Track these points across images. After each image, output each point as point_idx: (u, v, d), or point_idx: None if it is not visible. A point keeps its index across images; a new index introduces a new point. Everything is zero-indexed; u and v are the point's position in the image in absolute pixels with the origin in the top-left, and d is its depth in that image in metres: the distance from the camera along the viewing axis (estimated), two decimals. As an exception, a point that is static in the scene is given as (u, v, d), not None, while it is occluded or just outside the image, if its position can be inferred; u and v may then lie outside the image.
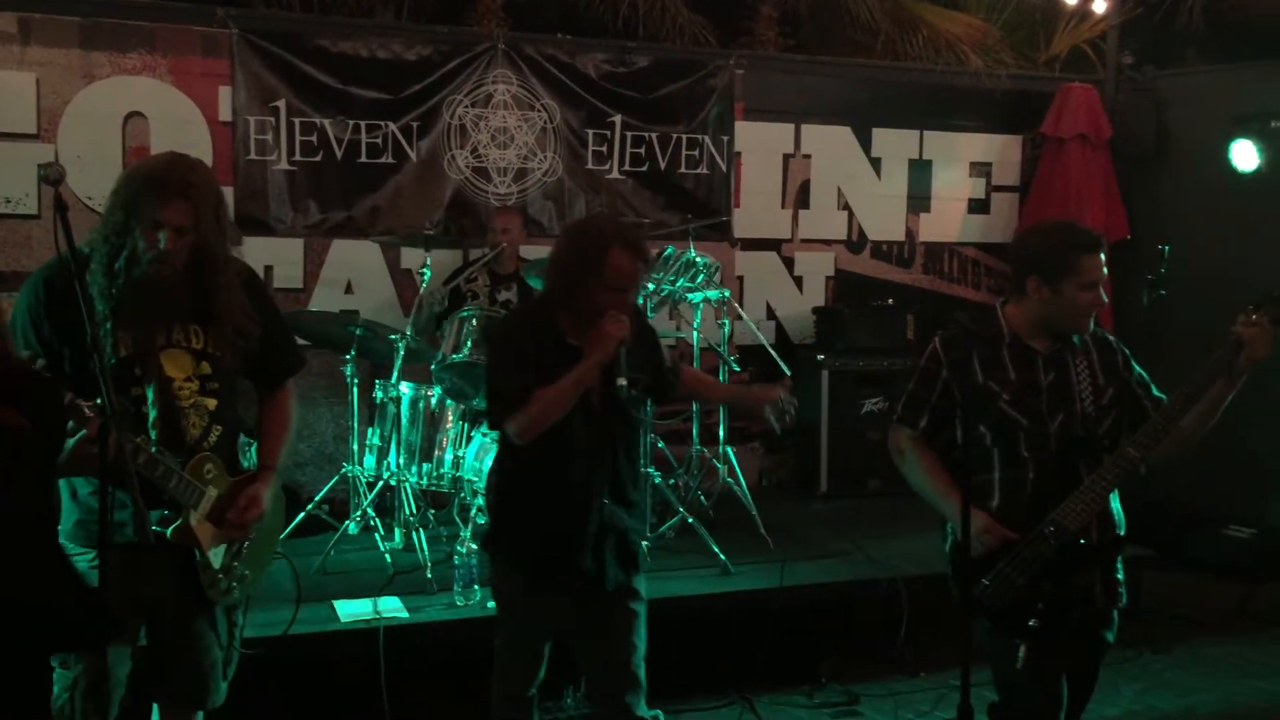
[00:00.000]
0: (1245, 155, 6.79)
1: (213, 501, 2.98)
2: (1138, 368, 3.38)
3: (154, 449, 2.89)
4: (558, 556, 3.28)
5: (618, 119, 6.87)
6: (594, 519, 3.28)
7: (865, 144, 7.56)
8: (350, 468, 5.60)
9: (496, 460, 3.50)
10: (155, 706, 3.19)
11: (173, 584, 2.96)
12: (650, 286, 5.62)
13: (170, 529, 2.91)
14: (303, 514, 5.47)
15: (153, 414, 2.91)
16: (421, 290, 5.74)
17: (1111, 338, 3.41)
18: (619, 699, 3.31)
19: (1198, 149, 7.26)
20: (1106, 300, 3.27)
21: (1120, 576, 3.32)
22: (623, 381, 3.19)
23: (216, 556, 3.02)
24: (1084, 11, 7.77)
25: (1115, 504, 3.29)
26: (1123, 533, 3.30)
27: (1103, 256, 3.23)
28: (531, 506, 3.33)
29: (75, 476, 2.89)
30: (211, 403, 3.01)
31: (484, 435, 5.42)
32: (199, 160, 3.03)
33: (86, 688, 2.84)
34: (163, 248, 2.84)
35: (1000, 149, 7.91)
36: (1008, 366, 3.27)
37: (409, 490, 5.50)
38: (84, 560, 2.88)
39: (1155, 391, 3.35)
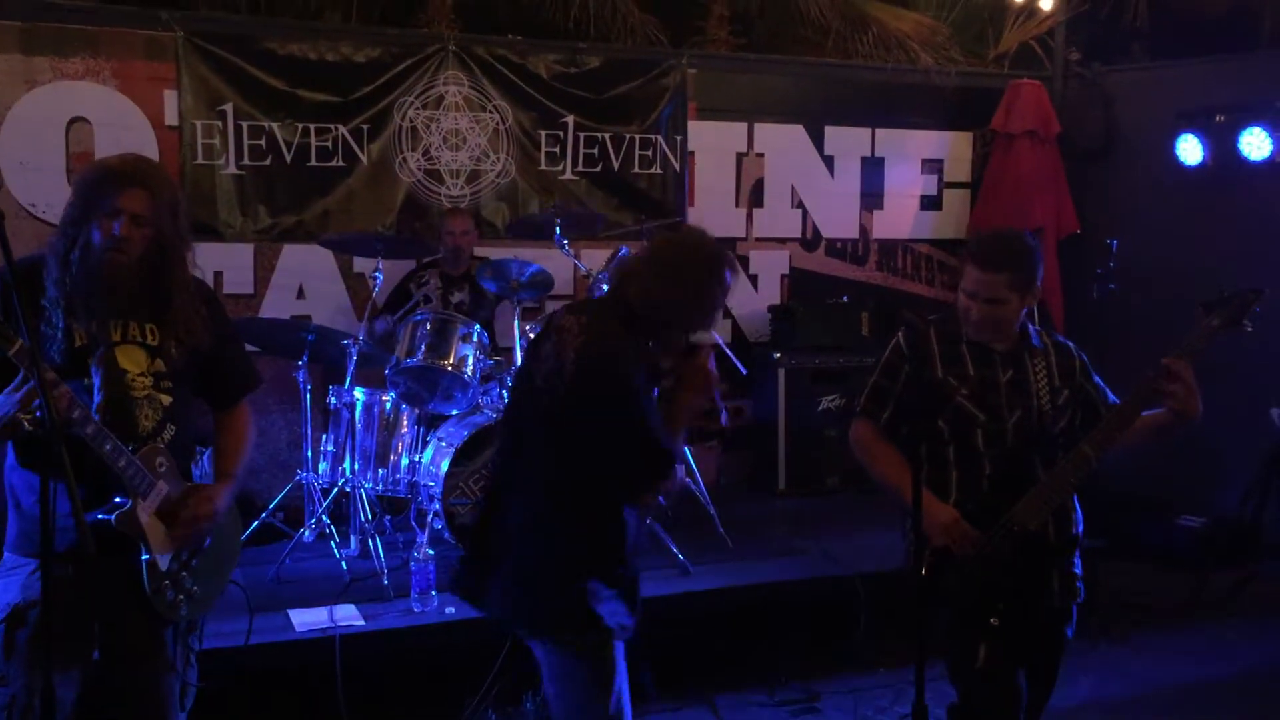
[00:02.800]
0: (1190, 150, 6.89)
1: (163, 497, 2.88)
2: (1095, 376, 3.40)
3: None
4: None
5: (570, 119, 6.85)
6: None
7: (818, 142, 7.59)
8: (304, 474, 5.54)
9: (577, 517, 2.97)
10: None
11: (124, 596, 2.85)
12: (605, 288, 5.59)
13: (115, 514, 2.78)
14: (257, 522, 5.40)
15: (98, 399, 2.81)
16: (374, 296, 5.69)
17: (1071, 344, 3.44)
18: None
19: (1144, 144, 7.36)
20: (979, 313, 3.23)
21: (1078, 571, 3.35)
22: (723, 421, 3.10)
23: (164, 559, 2.90)
24: (1031, 8, 7.84)
25: (1074, 501, 3.32)
26: (1080, 530, 3.32)
27: (992, 276, 3.20)
28: (632, 560, 3.05)
29: None
30: (166, 399, 2.94)
31: (441, 441, 5.39)
32: (158, 162, 3.04)
33: (22, 710, 2.74)
34: (118, 233, 2.79)
35: (951, 145, 7.97)
36: (967, 363, 3.30)
37: (364, 496, 5.45)
38: (23, 573, 2.81)
39: (1110, 399, 3.38)
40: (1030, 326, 3.37)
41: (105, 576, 2.77)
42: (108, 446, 2.74)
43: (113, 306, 2.87)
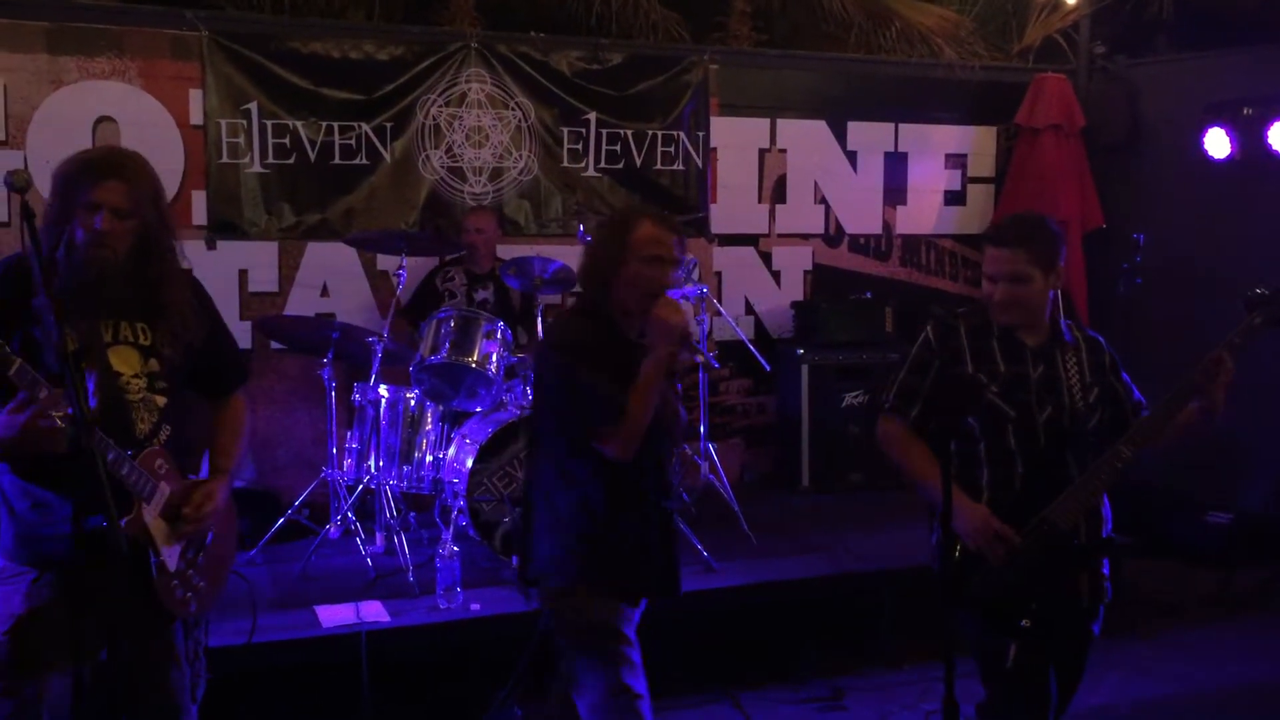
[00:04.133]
0: (1218, 143, 6.82)
1: (166, 497, 2.87)
2: (1124, 374, 3.37)
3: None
4: (644, 569, 3.23)
5: (592, 116, 6.85)
6: (659, 524, 3.25)
7: (841, 137, 7.56)
8: (330, 472, 5.57)
9: (563, 485, 3.20)
10: None
11: (130, 598, 2.77)
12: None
13: (125, 520, 2.75)
14: (282, 519, 5.44)
15: (92, 404, 2.72)
16: (398, 292, 5.71)
17: (1102, 339, 3.39)
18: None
19: (1171, 137, 7.30)
20: (1000, 294, 3.21)
21: (1106, 572, 3.32)
22: (703, 358, 3.13)
23: (172, 558, 2.91)
24: (1055, 2, 7.79)
25: (1104, 502, 3.30)
26: (1110, 530, 3.30)
27: (1007, 251, 3.19)
28: (621, 523, 3.18)
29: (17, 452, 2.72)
30: (161, 400, 2.91)
31: (465, 438, 5.41)
32: (136, 152, 2.96)
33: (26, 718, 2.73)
34: (100, 228, 2.73)
35: (975, 140, 7.93)
36: (997, 358, 3.25)
37: (389, 493, 5.48)
38: (25, 581, 2.79)
39: (1136, 396, 3.35)
40: (1062, 321, 3.32)
41: (114, 581, 2.71)
42: (110, 455, 2.72)
43: (102, 306, 2.83)
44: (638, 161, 6.97)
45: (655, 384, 3.06)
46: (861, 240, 7.70)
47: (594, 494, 3.16)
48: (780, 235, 7.48)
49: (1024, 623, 3.09)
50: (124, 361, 2.87)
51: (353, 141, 6.37)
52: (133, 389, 2.87)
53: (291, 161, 6.27)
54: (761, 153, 7.40)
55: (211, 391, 3.18)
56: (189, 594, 2.95)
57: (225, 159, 6.15)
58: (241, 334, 6.22)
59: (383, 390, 5.45)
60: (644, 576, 3.25)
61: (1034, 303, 3.23)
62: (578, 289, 3.28)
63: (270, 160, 6.23)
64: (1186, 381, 3.10)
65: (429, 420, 5.56)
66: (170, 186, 6.04)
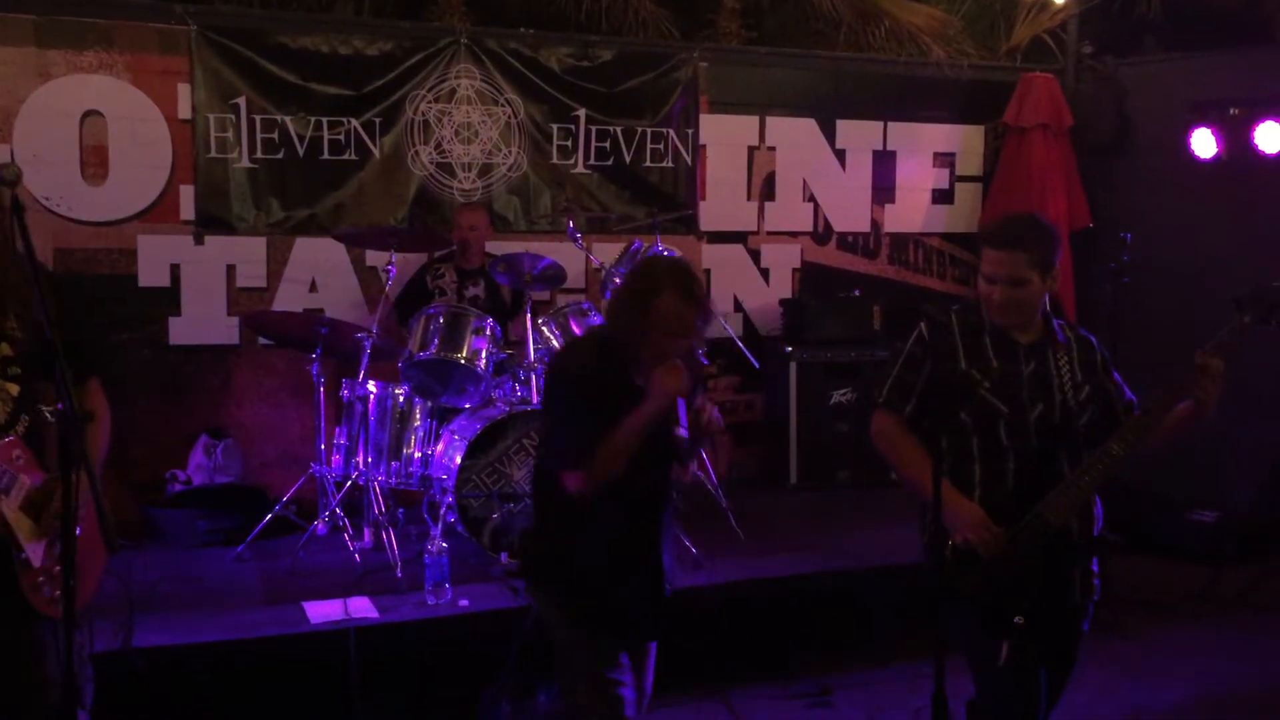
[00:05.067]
0: (1204, 143, 6.85)
1: (26, 491, 2.73)
2: (1115, 373, 3.38)
3: None
4: (626, 604, 3.26)
5: (582, 113, 6.85)
6: (644, 568, 3.28)
7: (830, 136, 7.57)
8: (318, 468, 5.55)
9: (555, 514, 3.30)
10: None
11: None
12: (617, 281, 5.61)
13: None
14: (270, 515, 5.43)
15: None
16: (387, 288, 5.70)
17: (1094, 339, 3.41)
18: None
19: (1158, 137, 7.33)
20: (999, 296, 3.22)
21: (1095, 570, 3.33)
22: (681, 434, 3.11)
23: (36, 555, 2.75)
24: (1043, 1, 7.82)
25: (1096, 500, 3.31)
26: (1100, 527, 3.31)
27: (1004, 252, 3.20)
28: (599, 558, 3.24)
29: None
30: (14, 388, 2.78)
31: (454, 434, 5.40)
32: None
33: None
34: None
35: (963, 139, 7.95)
36: (990, 355, 3.27)
37: (378, 489, 5.47)
38: None
39: (1128, 396, 3.36)
40: (1055, 320, 3.34)
41: None
42: None
43: None
44: (627, 158, 6.97)
45: (637, 434, 3.09)
46: (850, 238, 7.72)
47: (563, 523, 3.24)
48: (769, 233, 7.48)
49: (1017, 620, 3.10)
50: None
51: (342, 137, 6.36)
52: None
53: (280, 156, 6.25)
54: (750, 150, 7.40)
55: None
56: (56, 592, 2.75)
57: (214, 154, 6.13)
58: (229, 329, 6.21)
59: (371, 386, 5.44)
60: (630, 625, 3.29)
61: (1031, 303, 3.25)
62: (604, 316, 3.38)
63: (259, 155, 6.21)
64: (1176, 384, 3.11)
65: (418, 416, 5.55)
66: (158, 181, 6.06)
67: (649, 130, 7.02)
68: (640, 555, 3.28)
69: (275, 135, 6.23)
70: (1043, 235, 3.26)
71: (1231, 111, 6.72)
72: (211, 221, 6.15)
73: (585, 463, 3.08)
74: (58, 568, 2.74)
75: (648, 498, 3.26)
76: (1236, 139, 6.71)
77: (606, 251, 6.21)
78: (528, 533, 5.11)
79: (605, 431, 3.07)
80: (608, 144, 6.92)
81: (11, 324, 2.76)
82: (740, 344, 6.37)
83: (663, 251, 5.71)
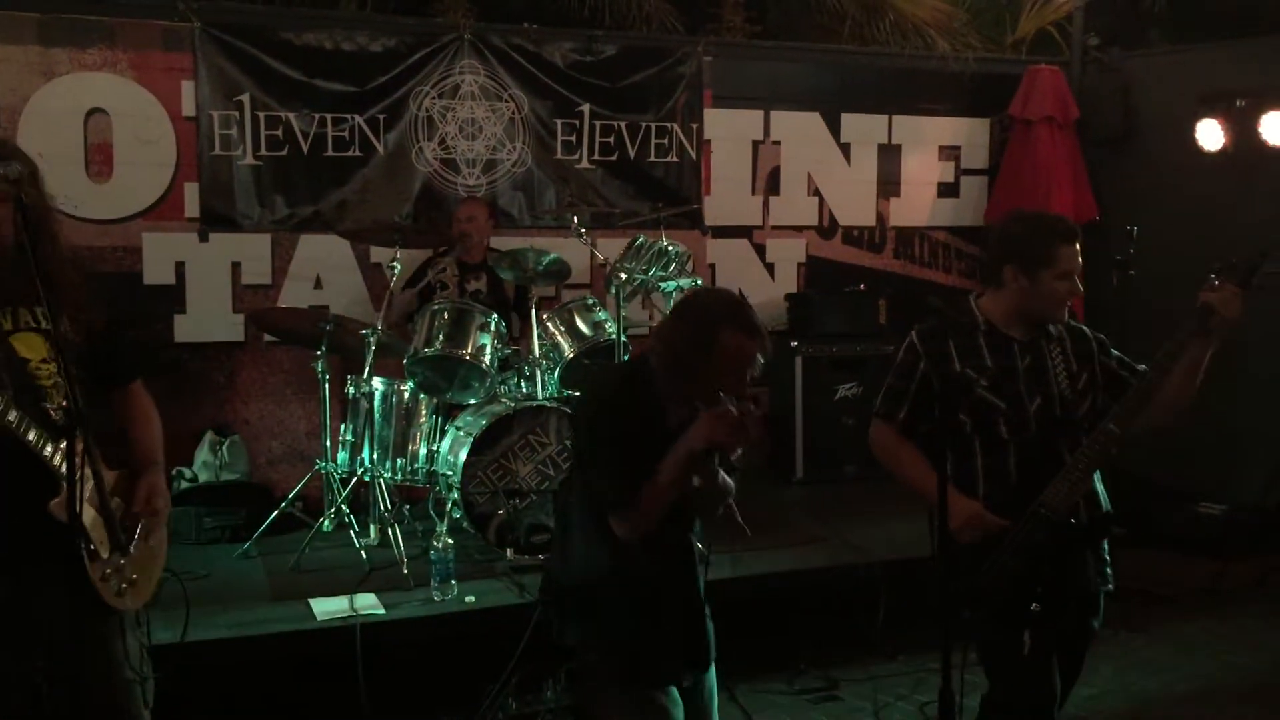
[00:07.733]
0: (1211, 135, 6.83)
1: (92, 484, 2.74)
2: (1115, 350, 3.39)
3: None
4: (670, 646, 3.18)
5: (586, 108, 6.84)
6: (680, 607, 3.21)
7: (834, 129, 7.55)
8: (323, 464, 5.55)
9: (594, 546, 3.13)
10: None
11: (70, 595, 2.69)
12: (623, 276, 5.60)
13: (52, 503, 2.64)
14: (276, 512, 5.43)
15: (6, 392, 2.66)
16: (392, 285, 5.69)
17: (1085, 327, 3.43)
18: None
19: (1164, 129, 7.30)
20: (1082, 290, 3.28)
21: (1107, 558, 3.34)
22: (696, 483, 3.02)
23: (104, 547, 2.79)
24: (1049, -6, 7.80)
25: (1098, 483, 3.31)
26: (1108, 508, 3.32)
27: (1078, 246, 3.26)
28: (639, 595, 3.13)
29: None
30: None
31: (459, 430, 5.40)
32: (7, 134, 2.89)
33: None
34: None
35: (969, 132, 7.92)
36: (984, 354, 3.28)
37: (383, 486, 5.47)
38: None
39: (1139, 368, 3.36)
40: None
41: (48, 579, 2.67)
42: (30, 436, 2.64)
43: (2, 298, 2.73)
44: (631, 153, 6.96)
45: (679, 475, 2.98)
46: (855, 232, 7.70)
47: (605, 559, 3.10)
48: (774, 227, 7.47)
49: (1034, 606, 3.10)
50: (29, 348, 2.77)
51: (346, 133, 6.36)
52: (43, 374, 2.76)
53: (284, 153, 6.25)
54: (755, 144, 7.39)
55: (110, 380, 3.00)
56: (124, 585, 2.84)
57: (218, 151, 6.14)
58: (235, 327, 6.21)
59: (376, 383, 5.44)
60: (668, 664, 3.18)
61: None
62: (652, 351, 3.11)
63: (263, 152, 6.21)
64: (1163, 354, 3.12)
65: (423, 412, 5.55)
66: (162, 179, 6.06)
67: (653, 125, 7.01)
68: (671, 595, 3.20)
69: (279, 132, 6.23)
70: None
71: (1238, 103, 6.68)
72: (216, 219, 6.15)
73: (634, 506, 2.98)
74: (123, 560, 2.84)
75: (677, 537, 3.20)
76: (1243, 130, 6.67)
77: (611, 247, 6.19)
78: (535, 528, 5.14)
79: (645, 473, 2.97)
80: (612, 139, 6.92)
81: (65, 325, 2.77)
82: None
83: (666, 247, 5.69)
